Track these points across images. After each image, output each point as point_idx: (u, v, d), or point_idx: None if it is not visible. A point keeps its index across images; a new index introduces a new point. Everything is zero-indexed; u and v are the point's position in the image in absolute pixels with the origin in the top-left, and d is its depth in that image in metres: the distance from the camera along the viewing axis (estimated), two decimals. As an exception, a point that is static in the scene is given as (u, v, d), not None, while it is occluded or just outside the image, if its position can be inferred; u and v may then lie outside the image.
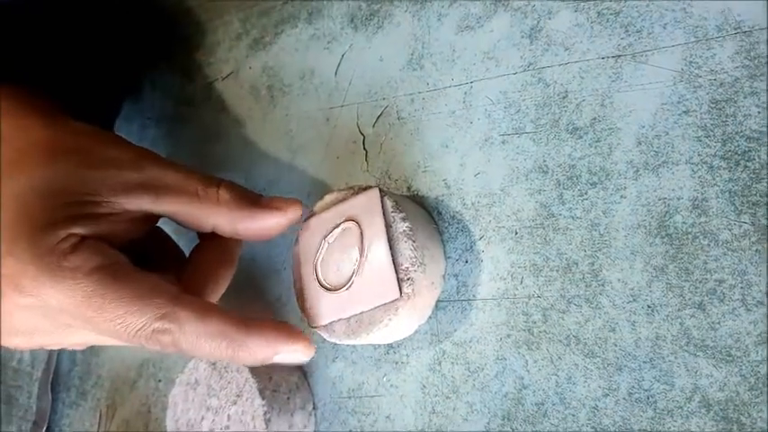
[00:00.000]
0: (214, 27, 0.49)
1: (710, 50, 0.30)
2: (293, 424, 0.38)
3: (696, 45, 0.30)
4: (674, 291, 0.29)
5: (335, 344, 0.38)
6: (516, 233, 0.33)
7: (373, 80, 0.40)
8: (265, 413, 0.36)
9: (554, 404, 0.31)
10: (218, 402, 0.38)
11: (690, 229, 0.29)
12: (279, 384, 0.38)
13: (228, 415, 0.37)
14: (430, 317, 0.36)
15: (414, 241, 0.32)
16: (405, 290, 0.32)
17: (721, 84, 0.29)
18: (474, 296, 0.34)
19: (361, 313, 0.33)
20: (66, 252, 0.33)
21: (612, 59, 0.32)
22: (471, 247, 0.35)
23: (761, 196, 0.28)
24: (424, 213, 0.36)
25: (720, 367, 0.28)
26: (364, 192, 0.34)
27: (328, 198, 0.36)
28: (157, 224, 0.40)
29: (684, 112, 0.30)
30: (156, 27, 0.52)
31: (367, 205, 0.34)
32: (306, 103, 0.43)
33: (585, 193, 0.32)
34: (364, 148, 0.40)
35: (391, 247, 0.33)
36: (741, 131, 0.28)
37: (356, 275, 0.33)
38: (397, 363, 0.37)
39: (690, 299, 0.29)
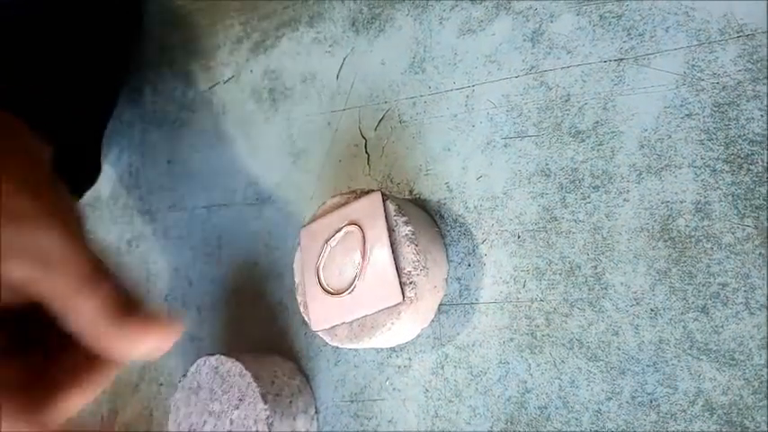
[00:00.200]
0: (215, 31, 0.48)
1: (713, 54, 0.30)
2: (295, 428, 0.38)
3: (699, 48, 0.30)
4: (677, 294, 0.29)
5: (338, 347, 0.38)
6: (519, 237, 0.33)
7: (375, 84, 0.40)
8: (268, 417, 0.36)
9: (557, 408, 0.31)
10: (221, 407, 0.38)
11: (693, 233, 0.29)
12: (281, 388, 0.38)
13: (231, 419, 0.37)
14: (432, 320, 0.36)
15: (416, 245, 0.32)
16: (407, 293, 0.32)
17: (724, 87, 0.29)
18: (477, 300, 0.34)
19: (364, 317, 0.33)
20: None
21: (615, 63, 0.32)
22: (474, 250, 0.35)
23: (764, 199, 0.28)
24: (426, 217, 0.36)
25: (724, 371, 0.28)
26: (366, 195, 0.34)
27: (330, 202, 0.36)
28: None
29: (687, 115, 0.30)
30: (156, 32, 0.52)
31: (369, 209, 0.34)
32: (307, 107, 0.43)
33: (588, 197, 0.32)
34: (366, 152, 0.40)
35: (394, 251, 0.32)
36: (744, 135, 0.28)
37: (359, 279, 0.33)
38: (399, 366, 0.37)
39: (693, 302, 0.29)
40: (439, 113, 0.37)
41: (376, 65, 0.40)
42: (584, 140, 0.32)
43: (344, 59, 0.41)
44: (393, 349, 0.37)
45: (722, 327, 0.28)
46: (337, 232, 0.34)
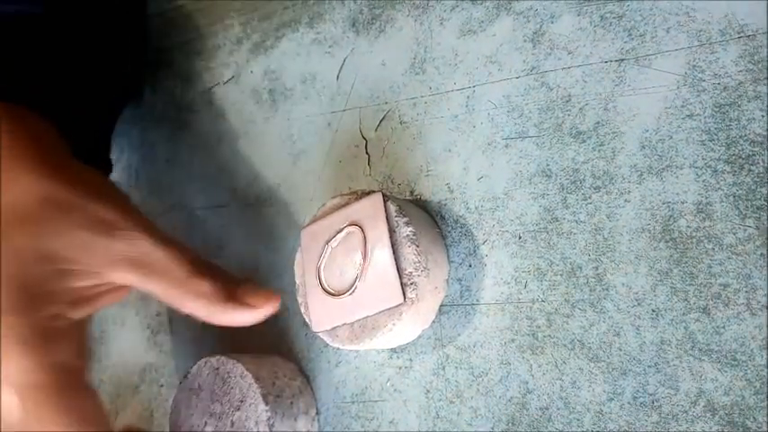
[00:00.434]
0: (215, 31, 0.48)
1: (714, 54, 0.30)
2: (296, 428, 0.37)
3: (700, 49, 0.30)
4: (678, 295, 0.29)
5: (339, 348, 0.38)
6: (520, 237, 0.33)
7: (375, 84, 0.40)
8: (269, 418, 0.36)
9: (559, 409, 0.31)
10: (222, 408, 0.38)
11: (694, 233, 0.29)
12: (282, 389, 0.38)
13: (232, 421, 0.37)
14: (433, 321, 0.36)
15: (417, 246, 0.32)
16: (408, 294, 0.32)
17: (725, 88, 0.29)
18: (478, 301, 0.34)
19: (365, 318, 0.33)
20: (47, 335, 0.33)
21: (616, 63, 0.32)
22: (475, 251, 0.35)
23: (765, 200, 0.28)
24: (427, 218, 0.36)
25: (725, 371, 0.28)
26: (367, 196, 0.34)
27: (331, 203, 0.36)
28: None
29: (688, 115, 0.30)
30: (156, 32, 0.52)
31: (370, 210, 0.34)
32: (308, 108, 0.43)
33: (589, 198, 0.32)
34: (367, 153, 0.40)
35: (394, 252, 0.32)
36: (745, 135, 0.28)
37: (359, 280, 0.33)
38: (400, 367, 0.37)
39: (694, 303, 0.29)
40: (440, 114, 0.37)
41: (376, 65, 0.40)
42: (585, 141, 0.32)
43: (345, 60, 0.41)
44: (394, 350, 0.37)
45: (724, 327, 0.28)
46: (338, 233, 0.34)
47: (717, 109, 0.29)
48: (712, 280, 0.29)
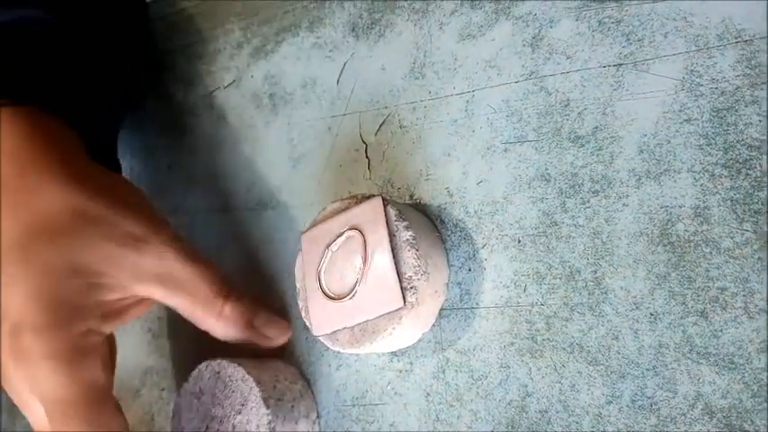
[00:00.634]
0: (215, 36, 0.49)
1: (711, 59, 0.30)
2: (298, 431, 0.38)
3: (697, 54, 0.30)
4: (676, 299, 0.29)
5: (339, 352, 0.38)
6: (519, 241, 0.34)
7: (375, 89, 0.40)
8: (270, 422, 0.36)
9: (558, 412, 0.32)
10: (223, 411, 0.38)
11: (692, 237, 0.29)
12: (283, 393, 0.38)
13: (233, 424, 0.37)
14: (433, 325, 0.36)
15: (417, 250, 0.33)
16: (408, 298, 0.32)
17: (722, 92, 0.29)
18: (477, 304, 0.35)
19: (365, 322, 0.33)
20: (79, 351, 0.34)
21: (614, 68, 0.32)
22: (474, 255, 0.35)
23: (762, 204, 0.28)
24: (426, 222, 0.36)
25: (723, 375, 0.28)
26: (367, 200, 0.34)
27: (331, 207, 0.36)
28: None
29: (686, 120, 0.30)
30: (157, 36, 0.52)
31: (370, 214, 0.34)
32: (308, 112, 0.43)
33: (588, 202, 0.32)
34: (367, 157, 0.40)
35: (394, 256, 0.33)
36: (742, 140, 0.29)
37: (360, 284, 0.33)
38: (400, 371, 0.37)
39: (692, 306, 0.29)
40: (439, 118, 0.37)
41: (376, 70, 0.40)
42: (583, 145, 0.32)
43: (345, 64, 0.41)
44: (394, 354, 0.37)
45: (721, 331, 0.28)
46: (338, 237, 0.35)
47: (714, 113, 0.29)
48: (710, 284, 0.29)
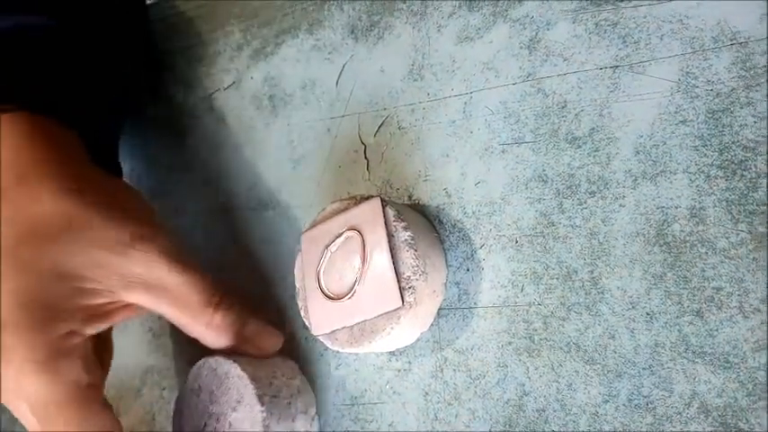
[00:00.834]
0: (215, 38, 0.49)
1: (707, 61, 0.30)
2: (294, 428, 0.38)
3: (693, 56, 0.30)
4: (672, 298, 0.30)
5: (338, 352, 0.38)
6: (516, 242, 0.34)
7: (374, 90, 0.40)
8: (264, 419, 0.36)
9: (555, 410, 0.32)
10: (220, 409, 0.38)
11: (687, 238, 0.30)
12: (279, 389, 0.38)
13: (229, 422, 0.37)
14: (432, 325, 0.36)
15: (415, 250, 0.33)
16: (407, 298, 0.32)
17: (718, 94, 0.30)
18: (475, 304, 0.35)
19: (364, 321, 0.33)
20: (61, 352, 0.34)
21: (610, 70, 0.32)
22: (472, 255, 0.35)
23: (757, 205, 0.28)
24: (425, 222, 0.36)
25: (718, 374, 0.28)
26: (366, 201, 0.34)
27: (330, 207, 0.36)
28: None
29: (682, 121, 0.30)
30: (157, 38, 0.53)
31: (369, 214, 0.34)
32: (307, 113, 0.43)
33: (585, 202, 0.32)
34: (366, 158, 0.40)
35: (393, 256, 0.33)
36: (738, 141, 0.29)
37: (358, 284, 0.34)
38: (399, 370, 0.37)
39: (688, 306, 0.29)
40: (437, 120, 0.37)
41: (375, 72, 0.40)
42: (580, 147, 0.33)
43: (344, 66, 0.42)
44: (393, 353, 0.37)
45: (717, 330, 0.29)
46: (337, 237, 0.35)
47: (710, 115, 0.30)
48: (705, 283, 0.29)
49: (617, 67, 0.32)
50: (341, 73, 0.42)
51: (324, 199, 0.41)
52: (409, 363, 0.37)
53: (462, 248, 0.36)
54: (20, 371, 0.33)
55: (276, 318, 0.42)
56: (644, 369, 0.30)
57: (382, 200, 0.34)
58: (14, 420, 0.53)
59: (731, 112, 0.29)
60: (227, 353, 0.39)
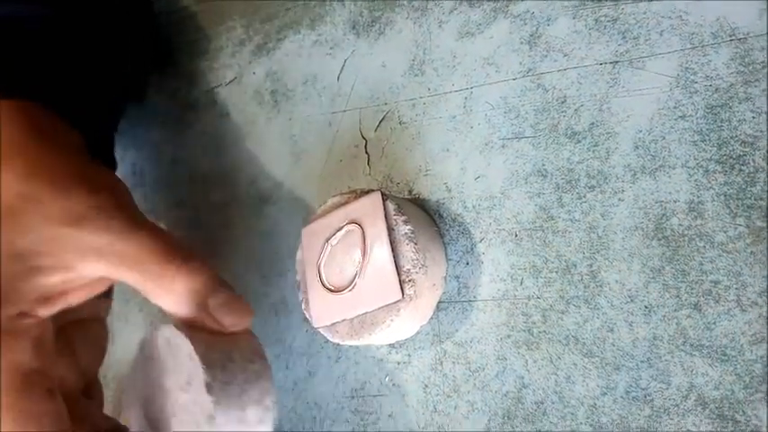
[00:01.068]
0: (218, 33, 0.49)
1: (706, 57, 0.30)
2: (245, 419, 0.34)
3: (692, 51, 0.31)
4: (670, 292, 0.30)
5: (338, 344, 0.39)
6: (516, 235, 0.34)
7: (375, 85, 0.40)
8: (210, 409, 0.33)
9: (553, 403, 0.32)
10: (170, 384, 0.35)
11: (686, 232, 0.30)
12: (233, 376, 0.34)
13: (178, 402, 0.34)
14: (431, 317, 0.36)
15: (415, 243, 0.33)
16: (406, 291, 0.33)
17: (717, 89, 0.30)
18: (475, 297, 0.35)
19: (364, 314, 0.34)
20: (8, 332, 0.33)
21: (610, 65, 0.32)
22: (472, 249, 0.35)
23: (755, 199, 0.28)
24: (425, 216, 0.37)
25: (716, 366, 0.28)
26: (366, 195, 0.35)
27: (331, 201, 0.37)
28: None
29: (681, 116, 0.30)
30: (160, 32, 0.53)
31: (369, 208, 0.34)
32: (309, 108, 0.43)
33: (584, 197, 0.32)
34: (366, 152, 0.40)
35: (393, 250, 0.33)
36: (736, 136, 0.29)
37: (359, 277, 0.34)
38: (399, 363, 0.37)
39: (686, 299, 0.29)
40: (438, 115, 0.38)
41: (376, 67, 0.40)
42: (579, 141, 0.33)
43: (345, 61, 0.42)
44: (393, 346, 0.38)
45: (714, 323, 0.29)
46: (338, 231, 0.35)
47: (709, 110, 0.30)
48: (703, 277, 0.29)
49: (617, 62, 0.32)
50: (342, 68, 0.42)
51: (325, 193, 0.42)
52: (409, 355, 0.37)
53: (462, 242, 0.36)
54: None
55: (276, 310, 0.43)
56: (642, 362, 0.30)
57: (383, 194, 0.34)
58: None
59: (730, 108, 0.29)
60: (188, 324, 0.35)
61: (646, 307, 0.30)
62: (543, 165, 0.34)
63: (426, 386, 0.36)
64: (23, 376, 0.33)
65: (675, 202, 0.30)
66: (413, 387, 0.36)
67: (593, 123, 0.33)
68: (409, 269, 0.33)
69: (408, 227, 0.33)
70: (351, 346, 0.39)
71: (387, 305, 0.33)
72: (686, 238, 0.30)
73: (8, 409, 0.33)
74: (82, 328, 0.40)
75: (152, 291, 0.35)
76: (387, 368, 0.38)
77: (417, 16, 0.39)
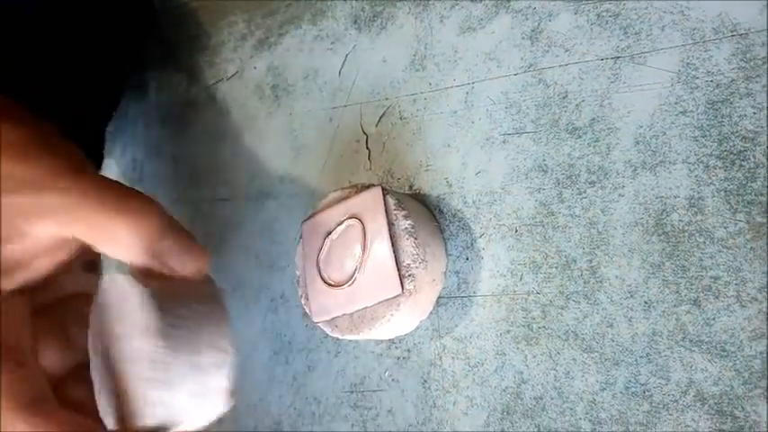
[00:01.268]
0: (219, 28, 0.49)
1: (707, 52, 0.30)
2: (199, 364, 0.32)
3: (693, 47, 0.30)
4: (670, 287, 0.30)
5: (338, 339, 0.39)
6: (516, 231, 0.34)
7: (376, 80, 0.40)
8: (162, 352, 0.31)
9: (552, 398, 0.32)
10: (123, 331, 0.33)
11: (686, 227, 0.30)
12: (184, 319, 0.33)
13: (130, 349, 0.33)
14: (431, 313, 0.36)
15: (415, 238, 0.33)
16: (406, 286, 0.33)
17: (718, 85, 0.30)
18: (474, 293, 0.35)
19: (364, 309, 0.34)
20: None
21: (611, 61, 0.32)
22: (472, 244, 0.35)
23: (756, 195, 0.28)
24: (425, 211, 0.37)
25: (715, 362, 0.28)
26: (367, 190, 0.35)
27: (332, 196, 0.37)
28: None
29: (681, 112, 0.30)
30: (161, 27, 0.53)
31: (370, 203, 0.34)
32: (310, 103, 0.43)
33: (584, 192, 0.32)
34: (367, 148, 0.40)
35: (393, 245, 0.33)
36: (737, 132, 0.29)
37: (359, 272, 0.34)
38: (398, 358, 0.37)
39: (686, 295, 0.29)
40: (439, 110, 0.38)
41: (377, 62, 0.40)
42: (580, 137, 0.33)
43: (346, 56, 0.42)
44: (392, 341, 0.38)
45: (714, 319, 0.29)
46: (338, 226, 0.35)
47: (709, 106, 0.30)
48: (703, 273, 0.29)
49: (618, 57, 0.32)
50: (343, 63, 0.42)
51: (325, 188, 0.42)
52: (408, 351, 0.37)
53: (462, 238, 0.36)
54: None
55: (276, 305, 0.43)
56: (641, 357, 0.30)
57: (383, 189, 0.34)
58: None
59: (731, 103, 0.29)
60: (142, 272, 0.34)
61: (645, 302, 0.30)
62: (544, 160, 0.34)
63: (426, 381, 0.36)
64: None
65: (676, 197, 0.30)
66: (412, 382, 0.36)
67: (594, 119, 0.33)
68: (409, 264, 0.33)
69: (409, 222, 0.33)
70: (350, 341, 0.39)
71: (386, 300, 0.33)
72: (686, 234, 0.30)
73: None
74: (75, 308, 0.39)
75: (100, 241, 0.34)
76: (386, 363, 0.38)
77: (419, 11, 0.39)
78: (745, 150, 0.29)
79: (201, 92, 0.50)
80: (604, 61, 0.33)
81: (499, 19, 0.36)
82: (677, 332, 0.29)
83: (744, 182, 0.29)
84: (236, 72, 0.48)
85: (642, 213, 0.31)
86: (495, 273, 0.34)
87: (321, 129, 0.42)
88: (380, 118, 0.40)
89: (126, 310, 0.33)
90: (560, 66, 0.34)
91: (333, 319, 0.35)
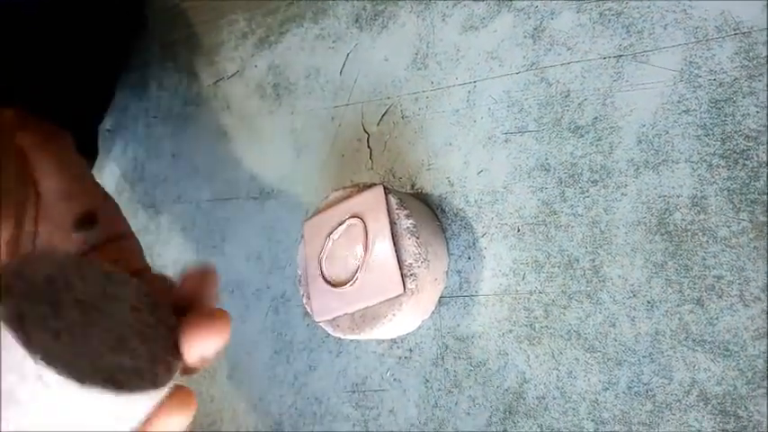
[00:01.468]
0: (220, 26, 0.49)
1: (710, 51, 0.30)
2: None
3: (696, 46, 0.30)
4: (673, 287, 0.30)
5: (340, 339, 0.39)
6: (518, 230, 0.34)
7: (378, 79, 0.40)
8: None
9: (555, 398, 0.32)
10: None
11: (689, 227, 0.30)
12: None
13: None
14: (433, 312, 0.36)
15: (417, 238, 0.33)
16: (408, 285, 0.33)
17: (720, 84, 0.30)
18: (476, 292, 0.35)
19: (366, 308, 0.34)
20: None
21: (614, 59, 0.32)
22: (474, 243, 0.35)
23: (759, 194, 0.28)
24: (427, 211, 0.36)
25: (718, 362, 0.28)
26: (369, 189, 0.35)
27: (333, 195, 0.36)
28: None
29: (684, 111, 0.30)
30: (162, 27, 0.53)
31: (371, 202, 0.34)
32: (311, 102, 0.43)
33: (587, 191, 0.32)
34: (369, 147, 0.40)
35: (395, 244, 0.33)
36: (740, 130, 0.29)
37: (361, 271, 0.34)
38: (400, 357, 0.37)
39: (689, 295, 0.29)
40: (441, 109, 0.37)
41: (379, 61, 0.40)
42: (583, 136, 0.33)
43: (348, 55, 0.42)
44: (394, 340, 0.38)
45: (717, 318, 0.29)
46: (340, 225, 0.35)
47: (712, 104, 0.30)
48: (706, 272, 0.29)
49: (620, 56, 0.32)
50: (345, 62, 0.42)
51: (327, 187, 0.42)
52: (410, 350, 0.37)
53: (464, 237, 0.36)
54: None
55: (277, 304, 0.43)
56: (644, 357, 0.30)
57: (385, 188, 0.34)
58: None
59: (734, 102, 0.29)
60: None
61: (648, 302, 0.30)
62: (546, 159, 0.34)
63: (428, 381, 0.36)
64: None
65: (678, 196, 0.30)
66: (414, 382, 0.36)
67: (596, 117, 0.32)
68: (411, 263, 0.33)
69: (410, 221, 0.33)
70: (352, 341, 0.39)
71: (388, 299, 0.33)
72: (689, 233, 0.30)
73: None
74: None
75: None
76: (388, 363, 0.38)
77: (421, 10, 0.39)
78: (749, 149, 0.29)
79: (202, 91, 0.49)
80: (607, 60, 0.33)
81: (501, 17, 0.36)
82: (680, 332, 0.29)
83: (747, 181, 0.29)
84: (237, 71, 0.47)
85: (645, 212, 0.31)
86: (498, 272, 0.34)
87: (322, 128, 0.42)
88: (382, 117, 0.40)
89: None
90: (562, 64, 0.34)
91: (334, 318, 0.35)
